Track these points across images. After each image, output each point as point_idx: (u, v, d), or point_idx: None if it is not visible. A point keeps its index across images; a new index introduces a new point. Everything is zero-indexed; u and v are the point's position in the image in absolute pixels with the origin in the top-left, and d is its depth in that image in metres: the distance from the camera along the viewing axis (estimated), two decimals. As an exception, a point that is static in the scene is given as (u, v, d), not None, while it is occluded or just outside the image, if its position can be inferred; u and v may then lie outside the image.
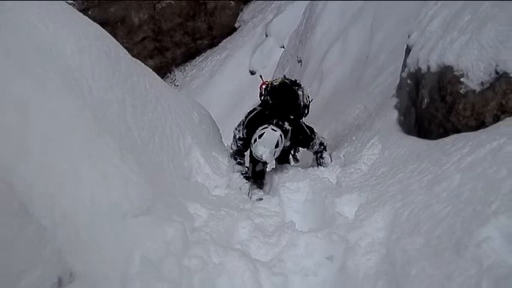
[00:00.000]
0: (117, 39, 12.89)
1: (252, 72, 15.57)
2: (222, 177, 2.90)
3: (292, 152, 3.84)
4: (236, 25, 17.43)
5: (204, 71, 16.68)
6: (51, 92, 1.41)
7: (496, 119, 2.01)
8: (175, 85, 17.43)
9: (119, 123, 1.86)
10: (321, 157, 3.49)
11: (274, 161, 4.01)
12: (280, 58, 13.08)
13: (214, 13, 16.77)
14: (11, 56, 1.39)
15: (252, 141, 3.20)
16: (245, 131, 3.43)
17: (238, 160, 3.41)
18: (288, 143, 3.40)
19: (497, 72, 1.93)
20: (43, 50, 1.58)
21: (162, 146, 2.35)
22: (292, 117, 3.39)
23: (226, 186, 2.84)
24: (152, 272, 1.26)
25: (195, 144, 2.88)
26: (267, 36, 15.61)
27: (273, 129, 3.18)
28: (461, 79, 2.15)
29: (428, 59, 2.54)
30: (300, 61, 10.96)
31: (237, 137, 3.49)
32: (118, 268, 1.18)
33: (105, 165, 1.44)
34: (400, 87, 3.47)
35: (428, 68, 2.56)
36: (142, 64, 2.94)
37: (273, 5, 16.37)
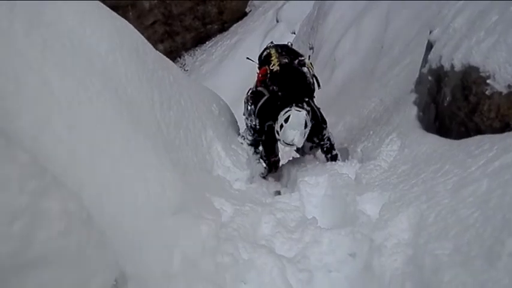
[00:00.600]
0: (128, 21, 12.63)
1: (262, 58, 15.50)
2: (242, 170, 2.94)
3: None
4: (247, 10, 17.27)
5: (214, 55, 16.61)
6: (92, 95, 1.45)
7: (522, 122, 2.02)
8: (185, 70, 17.41)
9: (150, 121, 1.91)
10: (332, 156, 3.45)
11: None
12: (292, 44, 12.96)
13: (225, -3, 16.58)
14: (51, 56, 1.43)
15: (278, 127, 3.07)
16: (257, 120, 3.35)
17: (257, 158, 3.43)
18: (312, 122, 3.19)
19: (525, 76, 1.93)
20: (81, 52, 1.61)
21: (186, 140, 2.40)
22: (306, 99, 3.24)
23: (247, 179, 2.90)
24: (192, 270, 1.32)
25: (216, 137, 2.92)
26: (277, 21, 15.45)
27: (297, 110, 3.03)
28: (488, 80, 2.15)
29: (453, 57, 2.54)
30: (311, 48, 10.88)
31: (250, 126, 3.41)
32: (162, 267, 1.24)
33: (144, 165, 1.49)
34: (419, 83, 3.47)
35: (452, 66, 2.56)
36: (165, 57, 2.97)
37: (284, -10, 16.16)
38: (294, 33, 14.29)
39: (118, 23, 2.17)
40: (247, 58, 4.37)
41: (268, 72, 3.35)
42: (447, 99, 2.71)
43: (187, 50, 17.45)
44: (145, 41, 2.55)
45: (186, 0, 15.74)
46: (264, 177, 3.93)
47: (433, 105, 3.08)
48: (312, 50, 10.88)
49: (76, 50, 1.59)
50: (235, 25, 17.23)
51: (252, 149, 3.51)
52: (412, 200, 1.90)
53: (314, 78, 3.48)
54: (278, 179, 3.81)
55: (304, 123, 3.02)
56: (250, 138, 3.47)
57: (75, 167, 1.19)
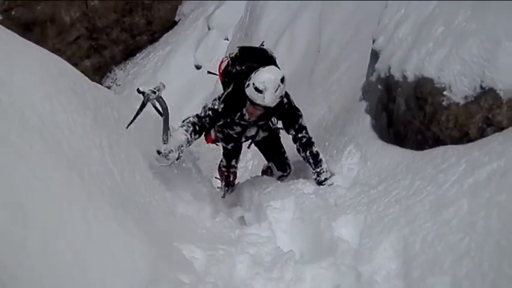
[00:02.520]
0: (47, 41, 12.04)
1: (198, 67, 15.19)
2: (205, 202, 2.76)
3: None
4: (176, 19, 16.85)
5: (146, 67, 15.99)
6: (34, 162, 1.20)
7: (481, 131, 2.07)
8: (116, 84, 16.56)
9: (103, 174, 1.67)
10: (313, 155, 2.99)
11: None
12: (226, 51, 12.87)
13: (152, 7, 16.06)
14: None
15: (253, 74, 2.76)
16: (222, 106, 2.92)
17: (186, 129, 2.78)
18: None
19: (482, 88, 1.98)
20: (14, 110, 1.34)
21: (143, 183, 2.17)
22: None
23: (210, 213, 2.71)
24: None
25: (172, 171, 2.70)
26: (209, 29, 15.25)
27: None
28: (444, 92, 2.19)
29: (405, 68, 2.57)
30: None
31: (208, 107, 2.93)
32: None
33: (107, 238, 1.27)
34: (367, 91, 3.51)
35: (404, 77, 2.59)
36: (103, 88, 2.70)
37: (212, -3, 16.03)
38: (227, 40, 14.19)
39: (49, 61, 1.89)
40: (209, 72, 3.97)
41: (229, 60, 3.14)
42: (401, 108, 2.75)
43: (117, 64, 16.62)
44: (82, 75, 2.28)
45: (111, 12, 14.97)
46: (222, 197, 3.79)
47: (385, 113, 3.12)
48: (248, 56, 10.83)
49: (8, 109, 1.32)
50: (165, 35, 16.74)
51: (189, 128, 2.84)
52: (392, 223, 1.86)
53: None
54: (237, 199, 3.67)
55: (282, 74, 2.80)
56: (194, 119, 2.87)
57: (28, 260, 0.96)
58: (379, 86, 3.12)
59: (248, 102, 2.87)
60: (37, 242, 1.02)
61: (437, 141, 2.39)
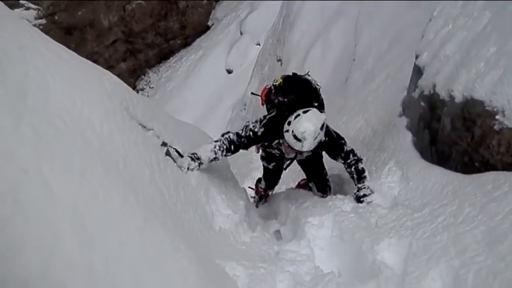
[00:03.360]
0: (86, 44, 12.53)
1: (229, 71, 15.37)
2: (242, 215, 2.78)
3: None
4: (209, 23, 17.15)
5: (179, 71, 16.33)
6: (97, 188, 1.25)
7: (536, 158, 1.99)
8: (150, 87, 17.01)
9: (153, 193, 1.71)
10: (359, 172, 3.01)
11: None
12: (258, 56, 12.94)
13: (186, 12, 16.44)
14: (46, 149, 1.22)
15: (293, 118, 2.77)
16: (262, 130, 2.93)
17: (219, 146, 2.79)
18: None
19: (538, 114, 1.90)
20: (76, 131, 1.40)
21: (186, 198, 2.21)
22: (316, 104, 2.97)
23: (248, 227, 2.73)
24: None
25: (211, 183, 2.74)
26: (241, 33, 15.39)
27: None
28: (496, 116, 2.11)
29: (452, 88, 2.50)
30: (279, 60, 10.85)
31: (249, 128, 2.94)
32: None
33: (162, 261, 1.30)
34: (408, 107, 3.44)
35: (451, 97, 2.52)
36: (148, 100, 2.76)
37: (245, 2, 16.18)
38: (259, 45, 14.27)
39: (104, 79, 1.96)
40: (252, 93, 4.29)
41: (272, 88, 3.17)
42: (447, 128, 2.68)
43: (151, 67, 17.11)
44: (131, 91, 2.35)
45: (147, 17, 15.41)
46: (256, 206, 3.87)
47: (428, 131, 3.05)
48: (280, 62, 10.85)
49: (70, 131, 1.38)
50: (198, 39, 17.06)
51: (224, 145, 2.85)
52: (440, 253, 1.81)
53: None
54: (272, 210, 3.68)
55: (322, 123, 2.78)
56: (233, 137, 2.88)
57: (95, 284, 1.01)
58: (422, 103, 3.05)
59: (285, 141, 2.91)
60: (102, 266, 1.06)
61: (486, 165, 2.31)
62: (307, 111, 2.80)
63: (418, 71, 3.19)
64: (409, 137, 3.19)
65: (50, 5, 12.97)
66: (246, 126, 3.00)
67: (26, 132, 1.20)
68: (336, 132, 3.12)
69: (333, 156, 3.14)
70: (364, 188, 2.95)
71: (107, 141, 1.57)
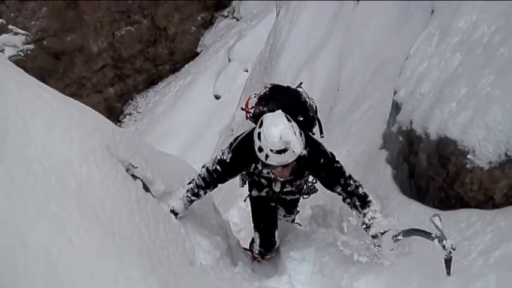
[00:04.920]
0: (74, 69, 12.55)
1: (217, 97, 15.52)
2: (223, 250, 2.77)
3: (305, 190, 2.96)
4: (198, 50, 17.38)
5: (167, 96, 16.41)
6: (71, 231, 1.26)
7: (507, 197, 2.06)
8: (137, 112, 16.99)
9: (131, 233, 1.71)
10: (362, 197, 2.45)
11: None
12: (245, 83, 13.12)
13: (175, 39, 16.65)
14: (22, 196, 1.23)
15: (255, 135, 2.33)
16: (230, 155, 2.48)
17: (190, 197, 2.52)
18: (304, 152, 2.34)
19: (507, 155, 1.98)
20: (54, 175, 1.42)
21: (166, 235, 2.20)
22: (301, 119, 2.49)
23: (230, 262, 2.72)
24: None
25: (193, 218, 2.74)
26: (229, 60, 15.63)
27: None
28: (468, 155, 2.19)
29: (427, 126, 2.59)
30: (266, 87, 11.01)
31: (217, 158, 2.54)
32: None
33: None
34: (388, 141, 3.53)
35: (427, 134, 2.60)
36: (131, 134, 2.78)
37: (233, 30, 16.51)
38: (247, 71, 14.50)
39: (86, 117, 1.99)
40: (242, 109, 2.98)
41: (258, 96, 2.74)
42: (423, 163, 2.75)
43: (139, 92, 17.15)
44: (113, 126, 2.37)
45: (136, 43, 15.57)
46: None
47: (406, 165, 3.12)
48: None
49: (47, 175, 1.39)
50: (187, 65, 17.24)
51: (197, 185, 2.57)
52: (416, 292, 1.84)
53: (316, 118, 2.86)
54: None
55: (286, 117, 2.29)
56: (204, 172, 2.55)
57: None
58: (401, 138, 3.13)
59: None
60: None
61: (461, 201, 2.37)
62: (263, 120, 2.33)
63: (396, 107, 3.29)
64: (389, 170, 3.26)
65: (38, 30, 13.04)
66: (215, 157, 2.59)
67: (3, 179, 1.21)
68: (332, 153, 2.59)
69: (330, 183, 2.53)
70: (372, 212, 2.42)
71: (85, 183, 1.58)
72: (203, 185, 2.58)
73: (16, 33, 12.72)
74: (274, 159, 2.30)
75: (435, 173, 2.61)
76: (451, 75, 2.65)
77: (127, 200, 1.89)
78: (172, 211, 2.48)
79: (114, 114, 16.46)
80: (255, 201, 3.00)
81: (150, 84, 17.11)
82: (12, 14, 12.60)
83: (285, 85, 2.85)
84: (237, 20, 16.74)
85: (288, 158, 2.29)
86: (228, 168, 2.53)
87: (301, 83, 2.96)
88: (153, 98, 17.12)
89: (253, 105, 2.70)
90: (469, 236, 1.94)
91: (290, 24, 10.48)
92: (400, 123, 3.11)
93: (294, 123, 2.33)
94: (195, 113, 15.25)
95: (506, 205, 2.04)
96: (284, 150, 2.26)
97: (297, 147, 2.29)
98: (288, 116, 2.34)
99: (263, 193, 2.90)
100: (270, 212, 2.98)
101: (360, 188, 2.51)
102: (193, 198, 2.58)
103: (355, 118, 5.74)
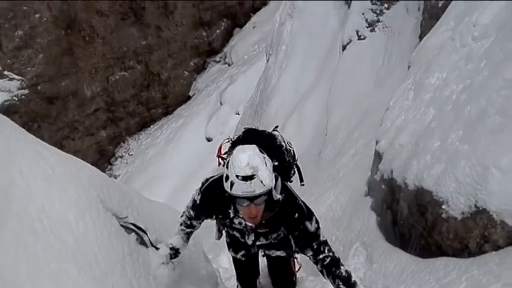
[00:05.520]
0: (67, 113, 12.67)
1: (209, 139, 15.73)
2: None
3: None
4: (190, 93, 17.76)
5: (159, 139, 16.57)
6: (69, 290, 1.35)
7: (480, 246, 2.18)
8: (129, 154, 17.05)
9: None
10: (345, 281, 2.17)
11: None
12: (237, 125, 13.39)
13: (168, 83, 17.04)
14: (24, 254, 1.33)
15: (225, 167, 2.17)
16: (200, 197, 2.42)
17: (183, 227, 2.46)
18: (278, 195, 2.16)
19: (477, 207, 2.13)
20: (53, 234, 1.52)
21: (157, 287, 2.27)
22: (276, 163, 2.28)
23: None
24: None
25: (182, 268, 2.79)
26: (221, 104, 16.00)
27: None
28: (442, 206, 2.34)
29: (405, 176, 2.75)
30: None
31: (191, 199, 2.50)
32: None
33: None
34: (372, 188, 3.68)
35: (406, 184, 2.76)
36: (125, 187, 2.89)
37: (225, 75, 17.01)
38: (238, 114, 14.83)
39: (82, 173, 2.10)
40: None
41: (231, 140, 2.69)
42: (404, 212, 2.89)
43: (131, 134, 17.28)
44: (108, 180, 2.49)
45: (130, 87, 15.89)
46: None
47: (390, 212, 3.25)
48: (258, 133, 11.19)
49: (47, 234, 1.50)
50: (179, 108, 17.53)
51: (186, 218, 2.52)
52: None
53: (294, 165, 2.71)
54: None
55: (260, 153, 2.12)
56: (184, 216, 2.52)
57: None
58: (383, 186, 3.29)
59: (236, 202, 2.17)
60: None
61: (440, 249, 2.49)
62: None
63: (378, 156, 3.47)
64: (373, 217, 3.39)
65: (34, 76, 13.31)
66: (192, 196, 2.53)
67: (8, 240, 1.32)
68: (309, 211, 2.29)
69: (301, 244, 2.27)
70: None
71: (82, 240, 1.68)
72: (193, 216, 2.48)
73: (11, 79, 12.98)
74: (240, 188, 2.05)
75: (415, 221, 2.75)
76: (425, 128, 2.85)
77: (120, 254, 1.97)
78: (172, 248, 2.43)
79: (106, 157, 16.50)
80: (234, 260, 2.94)
81: (143, 127, 17.29)
82: (8, 61, 12.90)
83: (260, 129, 2.83)
84: (229, 65, 17.29)
85: (255, 187, 2.04)
86: (199, 209, 2.44)
87: (276, 126, 2.93)
88: (145, 140, 17.27)
89: (227, 150, 2.63)
90: (445, 284, 2.04)
91: (280, 71, 10.88)
92: (382, 172, 3.28)
93: (266, 156, 2.14)
94: (186, 155, 15.38)
95: (480, 253, 2.16)
96: (251, 177, 2.03)
97: (266, 177, 2.06)
98: (261, 149, 2.15)
99: (239, 256, 2.78)
100: (249, 270, 2.95)
101: (341, 267, 2.22)
102: (188, 230, 2.50)
103: (342, 163, 5.92)
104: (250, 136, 2.61)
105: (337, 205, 4.41)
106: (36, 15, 12.70)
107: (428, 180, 2.46)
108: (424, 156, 2.63)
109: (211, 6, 16.34)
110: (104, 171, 16.77)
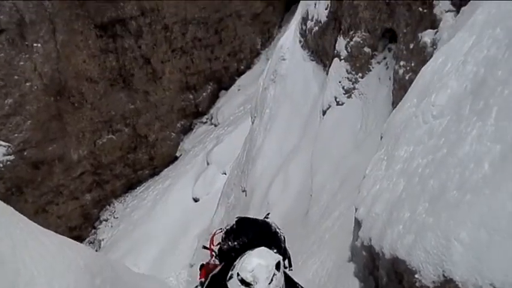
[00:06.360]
0: (53, 177, 12.70)
1: (196, 200, 15.72)
2: None
3: None
4: (177, 154, 18.01)
5: (146, 200, 16.50)
6: None
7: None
8: (114, 217, 16.83)
9: None
10: None
11: None
12: (224, 186, 13.52)
13: (155, 144, 17.31)
14: None
15: (237, 261, 2.19)
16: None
17: None
18: None
19: (444, 276, 2.31)
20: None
21: None
22: (275, 251, 2.36)
23: None
24: None
25: None
26: (208, 164, 16.22)
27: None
28: (415, 275, 2.51)
29: (382, 245, 2.94)
30: (244, 190, 11.41)
31: None
32: None
33: None
34: (354, 254, 3.83)
35: (383, 252, 2.94)
36: (114, 262, 3.00)
37: (211, 135, 17.42)
38: (225, 174, 15.01)
39: (78, 256, 2.24)
40: (204, 247, 3.09)
41: (223, 232, 2.68)
42: (384, 279, 3.03)
43: (117, 197, 17.18)
44: (103, 260, 2.61)
45: (117, 150, 16.08)
46: None
47: (372, 278, 3.39)
48: (244, 193, 11.39)
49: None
50: (166, 169, 17.67)
51: None
52: None
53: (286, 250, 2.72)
54: None
55: (277, 258, 2.18)
56: None
57: None
58: (364, 252, 3.45)
59: None
60: None
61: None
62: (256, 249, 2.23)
63: (357, 223, 3.67)
64: (356, 283, 3.51)
65: (21, 142, 13.42)
66: None
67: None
68: None
69: None
70: None
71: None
72: None
73: (-2, 145, 13.08)
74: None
75: (395, 289, 2.89)
76: (397, 198, 3.09)
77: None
78: None
79: (90, 221, 16.24)
80: None
81: (129, 188, 17.25)
82: (-4, 128, 13.08)
83: (252, 217, 2.90)
84: (215, 125, 17.79)
85: None
86: None
87: (268, 214, 3.03)
88: (131, 202, 17.15)
89: (220, 241, 2.63)
90: None
91: (264, 132, 11.29)
92: (362, 239, 3.46)
93: (279, 275, 2.14)
94: (173, 216, 15.27)
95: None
96: (247, 285, 2.07)
97: (277, 283, 2.10)
98: (281, 264, 2.19)
99: None
100: None
101: None
102: None
103: (327, 226, 6.07)
104: (244, 225, 2.64)
105: (323, 270, 4.51)
106: (27, 84, 13.11)
107: (402, 249, 2.65)
108: (397, 226, 2.84)
109: (197, 71, 17.13)
110: (87, 235, 16.42)
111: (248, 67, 18.44)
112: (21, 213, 2.24)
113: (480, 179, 2.22)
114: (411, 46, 5.18)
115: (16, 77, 12.86)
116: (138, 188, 17.59)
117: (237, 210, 11.55)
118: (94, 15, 13.45)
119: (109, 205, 17.28)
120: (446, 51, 3.49)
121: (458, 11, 4.28)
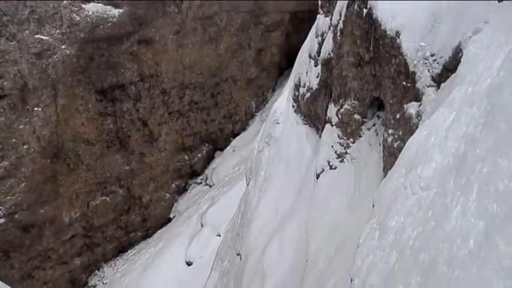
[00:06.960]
0: (42, 241, 12.46)
1: (189, 263, 15.26)
2: None
3: None
4: (171, 216, 17.78)
5: (136, 264, 15.97)
6: None
7: None
8: (103, 283, 16.17)
9: None
10: None
11: None
12: (218, 249, 13.24)
13: (149, 206, 17.16)
14: None
15: None
16: None
17: None
18: None
19: None
20: None
21: None
22: None
23: None
24: None
25: None
26: (202, 225, 15.98)
27: None
28: None
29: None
30: (238, 254, 11.18)
31: None
32: None
33: None
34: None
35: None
36: None
37: (206, 196, 17.35)
38: (219, 236, 14.74)
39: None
40: None
41: None
42: None
43: (107, 261, 16.66)
44: None
45: (110, 211, 15.89)
46: None
47: None
48: (239, 257, 11.16)
49: None
50: (159, 231, 17.35)
51: None
52: None
53: None
54: None
55: None
56: None
57: None
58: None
59: None
60: None
61: None
62: None
63: None
64: None
65: (12, 205, 13.24)
66: None
67: None
68: None
69: None
70: None
71: None
72: None
73: (-11, 209, 12.89)
74: None
75: None
76: (391, 271, 3.11)
77: None
78: None
79: (77, 287, 15.58)
80: None
81: (120, 252, 16.79)
82: (-11, 192, 12.97)
83: None
84: (210, 186, 17.78)
85: None
86: None
87: None
88: (121, 266, 16.61)
89: None
90: None
91: (259, 194, 11.33)
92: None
93: None
94: (165, 282, 14.72)
95: None
96: None
97: None
98: None
99: None
100: None
101: None
102: None
103: (324, 295, 5.94)
104: None
105: None
106: (24, 146, 13.24)
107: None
108: (391, 299, 2.84)
109: (193, 133, 17.49)
110: (75, 303, 15.66)
111: (243, 129, 18.90)
112: (6, 280, 2.24)
113: (467, 255, 2.29)
114: (398, 116, 5.44)
115: (14, 140, 13.01)
116: (129, 251, 17.14)
117: (231, 275, 11.24)
118: (95, 81, 13.99)
119: (98, 270, 16.70)
120: (430, 126, 3.70)
121: (439, 86, 4.58)
